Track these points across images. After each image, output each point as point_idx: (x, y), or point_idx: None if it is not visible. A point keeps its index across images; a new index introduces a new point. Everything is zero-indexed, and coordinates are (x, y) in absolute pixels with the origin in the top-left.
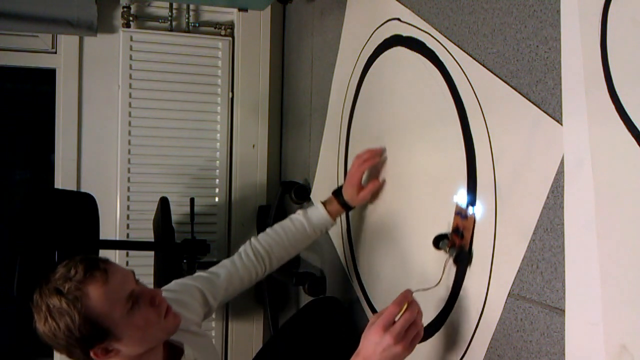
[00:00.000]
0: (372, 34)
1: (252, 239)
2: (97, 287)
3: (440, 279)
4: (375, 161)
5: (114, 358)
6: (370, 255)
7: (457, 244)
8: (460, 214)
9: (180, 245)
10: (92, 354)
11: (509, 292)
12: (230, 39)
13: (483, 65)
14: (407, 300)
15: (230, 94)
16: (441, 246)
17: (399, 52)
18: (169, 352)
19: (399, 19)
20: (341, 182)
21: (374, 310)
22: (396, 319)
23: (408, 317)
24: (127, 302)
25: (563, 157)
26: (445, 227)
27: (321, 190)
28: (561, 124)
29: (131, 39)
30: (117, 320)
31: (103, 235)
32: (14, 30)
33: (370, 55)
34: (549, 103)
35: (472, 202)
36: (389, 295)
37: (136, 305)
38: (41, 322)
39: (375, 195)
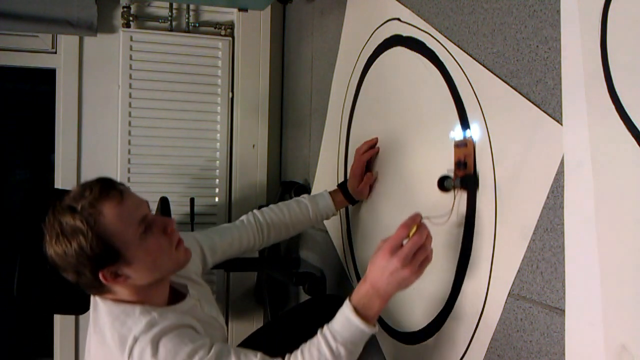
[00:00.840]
0: (372, 34)
1: (255, 210)
2: (112, 207)
3: (451, 213)
4: (375, 151)
5: (122, 285)
6: (370, 255)
7: (462, 174)
8: (459, 144)
9: None
10: (101, 276)
11: (509, 292)
12: (230, 39)
13: (483, 65)
14: (416, 223)
15: (230, 94)
16: (446, 185)
17: (399, 52)
18: (173, 295)
19: (399, 19)
20: (341, 180)
21: None
22: (404, 242)
23: (416, 240)
24: (140, 225)
25: (563, 157)
26: (447, 225)
27: (321, 190)
28: (561, 124)
29: (131, 39)
30: (129, 242)
31: None
32: (14, 30)
33: (370, 55)
34: (549, 103)
35: (467, 128)
36: None
37: (149, 231)
38: (52, 241)
39: (375, 195)
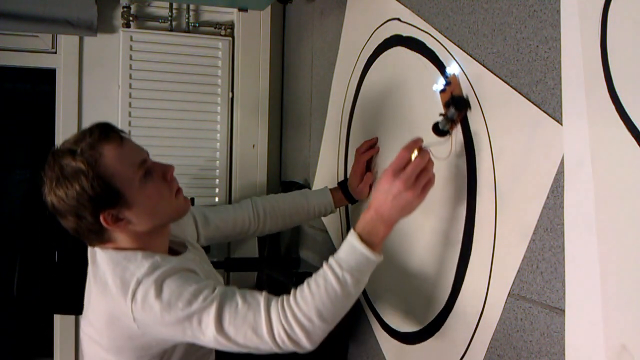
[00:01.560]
0: (372, 34)
1: (254, 197)
2: (112, 149)
3: (451, 150)
4: (375, 151)
5: (123, 231)
6: None
7: (449, 97)
8: (443, 89)
9: None
10: (102, 219)
11: (509, 292)
12: (230, 39)
13: (483, 65)
14: (417, 146)
15: (230, 94)
16: (440, 126)
17: (399, 52)
18: (172, 253)
19: (399, 19)
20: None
21: (374, 311)
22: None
23: (419, 162)
24: (140, 168)
25: (563, 157)
26: (447, 225)
27: None
28: (561, 124)
29: (131, 39)
30: (130, 184)
31: None
32: (14, 30)
33: (370, 55)
34: (549, 103)
35: (446, 70)
36: (390, 295)
37: (149, 176)
38: (52, 185)
39: None
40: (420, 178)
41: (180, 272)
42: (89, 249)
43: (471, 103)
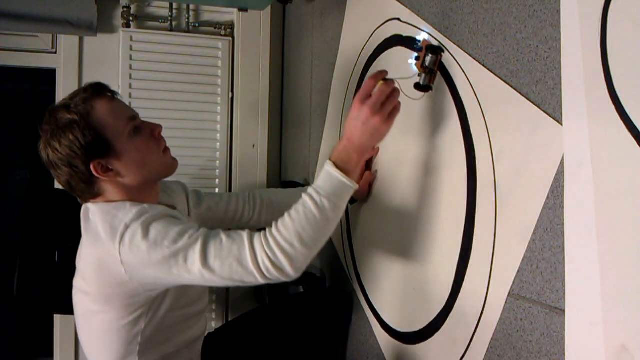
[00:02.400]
0: (372, 34)
1: (253, 189)
2: (104, 103)
3: (419, 73)
4: (375, 152)
5: (112, 183)
6: (370, 255)
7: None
8: (417, 57)
9: None
10: (92, 168)
11: (509, 292)
12: (230, 39)
13: (483, 65)
14: (383, 76)
15: (230, 94)
16: (421, 82)
17: (399, 52)
18: None
19: (399, 19)
20: None
21: (374, 311)
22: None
23: (384, 89)
24: (129, 122)
25: (563, 157)
26: (447, 225)
27: None
28: (561, 124)
29: (131, 39)
30: (119, 135)
31: None
32: (14, 30)
33: (370, 55)
34: (549, 103)
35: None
36: (389, 295)
37: (138, 132)
38: (47, 136)
39: (375, 194)
40: (386, 105)
41: (166, 217)
42: (82, 207)
43: (471, 103)
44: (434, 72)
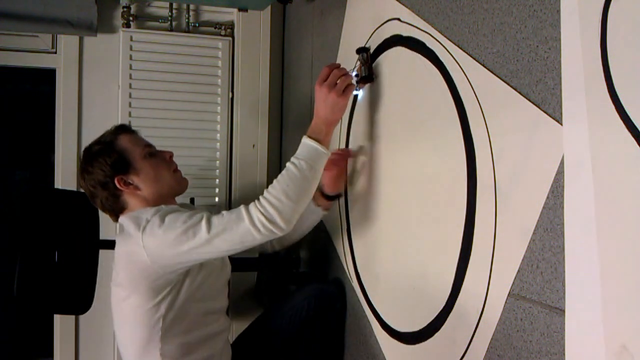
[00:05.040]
0: (372, 34)
1: None
2: (125, 135)
3: (354, 70)
4: (347, 153)
5: (133, 194)
6: (370, 255)
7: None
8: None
9: None
10: (116, 181)
11: (509, 292)
12: (230, 39)
13: (483, 65)
14: (335, 65)
15: (230, 94)
16: (360, 77)
17: (399, 52)
18: None
19: (399, 19)
20: None
21: (374, 311)
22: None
23: (336, 72)
24: (145, 148)
25: (563, 157)
26: (447, 225)
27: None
28: (561, 124)
29: (131, 39)
30: (137, 157)
31: (103, 235)
32: (14, 30)
33: (370, 55)
34: (549, 103)
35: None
36: (389, 294)
37: (153, 156)
38: (82, 167)
39: (375, 194)
40: (339, 83)
41: (179, 210)
42: (117, 226)
43: (471, 103)
44: (369, 63)
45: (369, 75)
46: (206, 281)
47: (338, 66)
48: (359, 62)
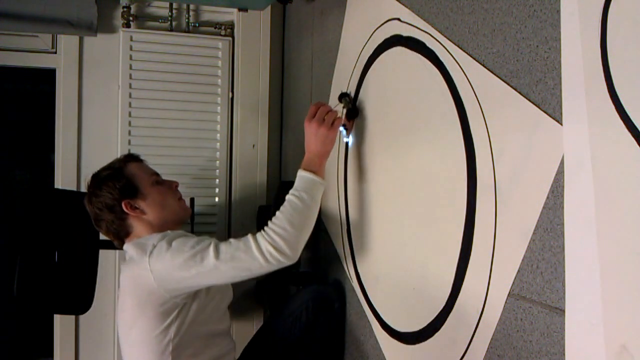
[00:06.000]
0: (372, 34)
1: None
2: (133, 163)
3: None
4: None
5: (138, 219)
6: (370, 255)
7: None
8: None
9: None
10: (123, 205)
11: (509, 292)
12: (230, 39)
13: (483, 65)
14: (322, 103)
15: (230, 94)
16: (348, 117)
17: (399, 52)
18: None
19: (399, 19)
20: (341, 182)
21: (374, 311)
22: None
23: (322, 108)
24: (152, 175)
25: (563, 157)
26: (447, 225)
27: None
28: (561, 124)
29: (131, 39)
30: (145, 183)
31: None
32: (14, 30)
33: (370, 55)
34: (549, 103)
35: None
36: (389, 294)
37: (160, 183)
38: (90, 191)
39: (375, 194)
40: (327, 118)
41: (185, 235)
42: (124, 254)
43: (471, 103)
44: (350, 102)
45: (353, 109)
46: (211, 303)
47: (324, 104)
48: (343, 107)
